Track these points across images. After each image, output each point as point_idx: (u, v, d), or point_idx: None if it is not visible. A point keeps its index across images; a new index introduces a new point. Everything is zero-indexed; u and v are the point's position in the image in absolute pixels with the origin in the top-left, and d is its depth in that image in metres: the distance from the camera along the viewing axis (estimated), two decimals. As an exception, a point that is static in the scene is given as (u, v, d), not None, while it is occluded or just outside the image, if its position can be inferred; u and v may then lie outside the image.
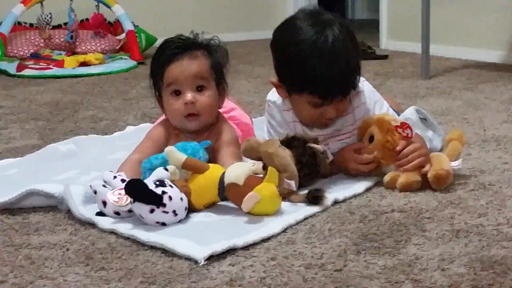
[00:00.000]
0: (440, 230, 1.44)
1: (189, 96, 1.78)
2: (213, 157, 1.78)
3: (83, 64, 4.19)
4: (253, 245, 1.39)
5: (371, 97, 1.89)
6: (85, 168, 1.93)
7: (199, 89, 1.80)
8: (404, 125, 1.74)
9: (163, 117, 1.94)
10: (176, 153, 1.57)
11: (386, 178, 1.74)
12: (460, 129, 1.86)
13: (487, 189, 1.69)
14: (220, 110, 2.05)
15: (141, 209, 1.47)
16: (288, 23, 1.80)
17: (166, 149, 1.59)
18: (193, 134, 1.83)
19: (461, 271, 1.24)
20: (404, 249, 1.35)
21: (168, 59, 1.81)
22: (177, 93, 1.80)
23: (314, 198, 1.59)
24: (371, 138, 1.79)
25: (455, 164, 1.74)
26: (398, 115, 1.96)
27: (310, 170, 1.70)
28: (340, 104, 1.77)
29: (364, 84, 1.88)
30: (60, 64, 4.17)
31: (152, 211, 1.46)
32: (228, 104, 2.13)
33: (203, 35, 1.87)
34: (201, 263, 1.30)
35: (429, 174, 1.70)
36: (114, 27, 4.96)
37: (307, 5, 5.72)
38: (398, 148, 1.74)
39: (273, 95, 1.90)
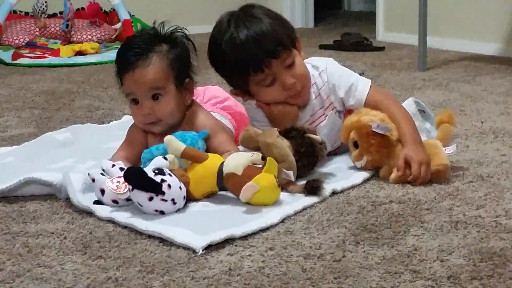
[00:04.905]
0: (439, 222, 1.43)
1: (145, 108, 1.75)
2: None
3: (79, 53, 4.18)
4: (252, 235, 1.38)
5: (334, 73, 1.87)
6: (81, 157, 1.92)
7: (156, 97, 1.74)
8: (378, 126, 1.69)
9: None
10: (175, 142, 1.56)
11: (382, 172, 1.74)
12: (449, 109, 1.84)
13: (485, 181, 1.69)
14: (214, 101, 2.03)
15: (140, 197, 1.46)
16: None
17: (165, 138, 1.58)
18: (169, 131, 1.76)
19: (460, 262, 1.23)
20: (403, 240, 1.34)
21: (123, 68, 1.76)
22: (136, 101, 1.76)
23: (312, 189, 1.59)
24: (356, 144, 1.75)
25: (449, 150, 1.73)
26: None
27: (308, 161, 1.70)
28: (292, 70, 1.76)
29: (328, 63, 1.88)
30: (55, 53, 4.15)
31: (151, 199, 1.46)
32: (222, 93, 2.11)
33: (167, 24, 1.81)
34: (199, 253, 1.30)
35: None
36: (110, 16, 4.93)
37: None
38: (399, 173, 1.67)
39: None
